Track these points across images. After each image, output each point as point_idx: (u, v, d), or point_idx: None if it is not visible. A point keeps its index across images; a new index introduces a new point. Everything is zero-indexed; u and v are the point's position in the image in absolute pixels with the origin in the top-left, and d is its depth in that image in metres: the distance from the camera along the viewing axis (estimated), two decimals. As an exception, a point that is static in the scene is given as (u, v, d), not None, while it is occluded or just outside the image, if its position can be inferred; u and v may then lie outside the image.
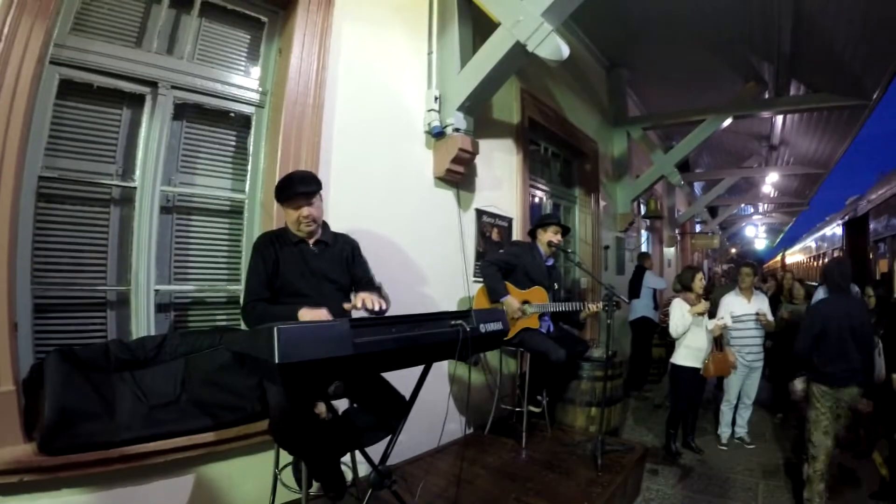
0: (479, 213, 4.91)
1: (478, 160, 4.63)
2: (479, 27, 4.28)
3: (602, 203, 8.04)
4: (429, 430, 3.51)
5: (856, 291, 5.92)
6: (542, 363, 4.16)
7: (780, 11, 6.07)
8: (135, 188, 2.87)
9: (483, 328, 2.40)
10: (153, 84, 2.93)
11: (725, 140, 12.17)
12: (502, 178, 5.31)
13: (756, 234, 30.25)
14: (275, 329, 1.65)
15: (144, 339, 2.79)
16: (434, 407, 3.72)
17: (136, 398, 2.61)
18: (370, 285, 2.83)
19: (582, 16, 6.34)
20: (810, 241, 17.66)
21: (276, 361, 1.64)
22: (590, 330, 7.19)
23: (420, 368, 2.46)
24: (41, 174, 2.56)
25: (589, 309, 4.17)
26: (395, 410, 2.60)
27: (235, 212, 3.33)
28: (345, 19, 3.67)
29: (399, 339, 2.04)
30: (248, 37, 3.44)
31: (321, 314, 2.37)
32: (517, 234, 5.43)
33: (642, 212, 11.02)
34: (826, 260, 12.96)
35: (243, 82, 3.34)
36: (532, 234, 4.53)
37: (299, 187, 2.60)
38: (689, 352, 4.95)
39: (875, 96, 7.13)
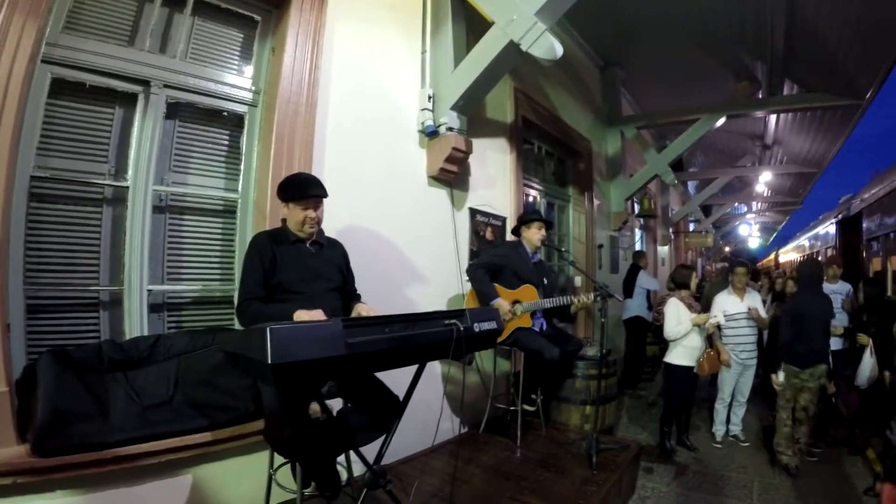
0: (473, 212, 4.93)
1: (471, 159, 4.65)
2: (472, 26, 4.31)
3: (596, 202, 8.08)
4: (423, 429, 3.53)
5: (842, 289, 6.03)
6: (536, 362, 4.16)
7: (774, 11, 6.10)
8: (127, 188, 2.87)
9: (477, 327, 2.43)
10: (146, 83, 2.93)
11: (719, 139, 12.24)
12: (496, 177, 5.33)
13: (750, 233, 30.43)
14: (267, 329, 1.67)
15: (138, 339, 2.78)
16: (429, 406, 3.74)
17: (129, 399, 2.60)
18: (353, 295, 2.95)
19: (576, 15, 6.39)
20: (804, 240, 17.75)
21: (269, 362, 1.66)
22: (584, 328, 7.22)
23: (414, 368, 2.48)
24: (33, 174, 2.55)
25: (579, 301, 4.16)
26: (389, 410, 2.62)
27: (228, 211, 3.33)
28: (338, 18, 3.68)
29: (392, 338, 2.06)
30: (241, 36, 3.44)
31: (317, 315, 2.38)
32: (511, 234, 5.42)
33: (636, 210, 11.08)
34: (820, 258, 13.06)
35: (236, 81, 3.34)
36: (516, 232, 4.53)
37: (314, 189, 2.68)
38: (686, 351, 5.00)
39: (868, 96, 7.18)
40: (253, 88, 3.40)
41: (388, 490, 2.43)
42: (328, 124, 3.56)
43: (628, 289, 7.99)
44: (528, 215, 4.47)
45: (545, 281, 4.39)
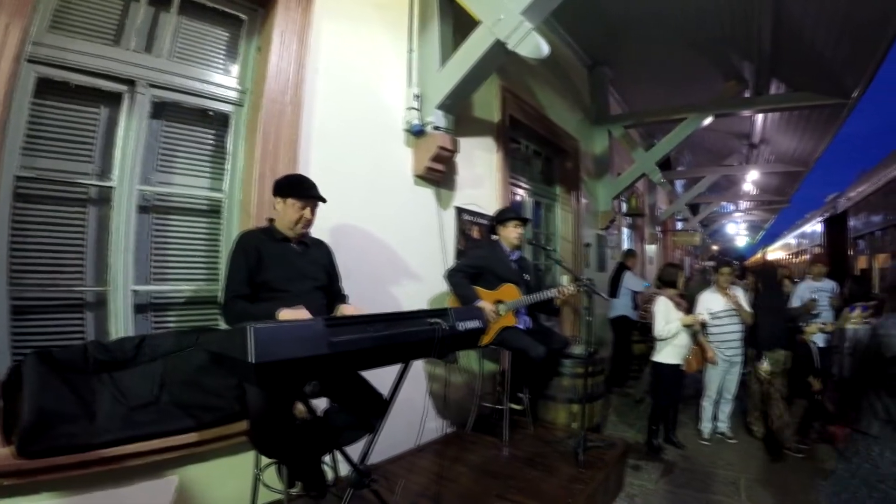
0: (460, 211, 4.97)
1: (458, 158, 4.69)
2: (459, 25, 4.33)
3: (583, 201, 8.15)
4: (410, 428, 3.56)
5: (827, 287, 6.17)
6: (522, 360, 4.20)
7: (761, 11, 6.18)
8: (112, 188, 2.88)
9: (461, 326, 2.45)
10: (131, 82, 2.94)
11: (706, 138, 12.32)
12: (483, 177, 5.37)
13: (737, 231, 30.69)
14: (249, 328, 1.68)
15: (123, 339, 2.79)
16: (415, 406, 3.78)
17: (115, 400, 2.60)
18: (339, 295, 2.98)
19: (564, 14, 6.44)
20: (791, 238, 17.96)
21: (252, 361, 1.67)
22: (571, 326, 7.27)
23: (399, 367, 2.50)
24: (18, 174, 2.56)
25: (562, 292, 4.14)
26: (374, 409, 2.64)
27: (214, 211, 3.34)
28: (324, 17, 3.70)
29: (376, 337, 2.07)
30: (227, 35, 3.45)
31: (301, 314, 2.40)
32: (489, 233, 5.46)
33: (624, 209, 11.14)
34: (806, 257, 13.22)
35: (222, 80, 3.35)
36: (493, 231, 4.53)
37: (315, 191, 2.75)
38: (674, 349, 5.08)
39: (855, 95, 7.26)
40: (238, 88, 3.42)
41: (373, 489, 2.46)
42: (314, 123, 3.58)
43: (614, 288, 8.06)
44: (503, 214, 4.48)
45: (527, 278, 4.40)
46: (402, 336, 2.19)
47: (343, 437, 2.61)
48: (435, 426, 4.34)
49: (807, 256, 13.69)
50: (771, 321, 5.41)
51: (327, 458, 2.77)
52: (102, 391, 2.59)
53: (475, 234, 5.14)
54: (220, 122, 3.39)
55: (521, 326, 4.26)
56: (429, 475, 3.63)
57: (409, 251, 4.33)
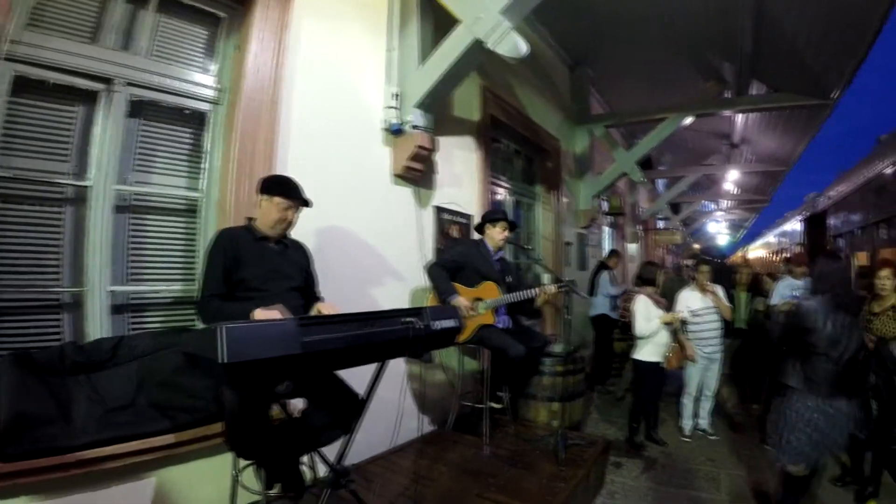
0: (439, 210, 5.03)
1: (438, 157, 4.76)
2: (439, 24, 4.37)
3: (564, 200, 8.27)
4: (390, 428, 3.59)
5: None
6: (501, 359, 4.22)
7: (742, 12, 6.30)
8: (89, 187, 2.88)
9: (436, 325, 2.47)
10: (108, 81, 2.94)
11: (688, 138, 12.51)
12: (462, 176, 5.43)
13: (719, 230, 31.01)
14: (221, 328, 1.69)
15: (100, 340, 2.79)
16: (396, 405, 3.81)
17: (92, 401, 2.60)
18: (316, 298, 3.01)
19: (546, 15, 6.54)
20: (771, 237, 18.21)
21: (224, 361, 1.67)
22: (551, 325, 7.34)
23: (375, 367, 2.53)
24: (-7, 174, 2.56)
25: (543, 293, 4.20)
26: (351, 409, 2.65)
27: (190, 211, 3.35)
28: (304, 15, 3.73)
29: (349, 337, 2.09)
30: (206, 33, 3.47)
31: (275, 313, 2.41)
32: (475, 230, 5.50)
33: (605, 208, 11.25)
34: (787, 255, 13.42)
35: (200, 79, 3.37)
36: (480, 229, 4.58)
37: (302, 193, 2.80)
38: (654, 347, 5.18)
39: (834, 96, 7.42)
40: (216, 86, 3.43)
41: (350, 489, 2.48)
42: (292, 122, 3.61)
43: (594, 287, 8.14)
44: (493, 214, 4.52)
45: (509, 279, 4.44)
46: (376, 335, 2.20)
47: (320, 438, 2.63)
48: (415, 425, 4.38)
49: (787, 254, 13.88)
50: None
51: (305, 459, 2.78)
52: (79, 393, 2.59)
53: (454, 232, 5.20)
54: (197, 121, 3.40)
55: (499, 325, 4.30)
56: (409, 474, 3.68)
57: (388, 250, 4.37)
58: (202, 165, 3.38)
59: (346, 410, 2.67)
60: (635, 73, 9.11)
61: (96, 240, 2.87)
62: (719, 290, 5.63)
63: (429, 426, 4.68)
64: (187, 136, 3.38)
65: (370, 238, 4.19)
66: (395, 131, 4.30)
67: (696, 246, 33.69)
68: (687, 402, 5.75)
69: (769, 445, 3.89)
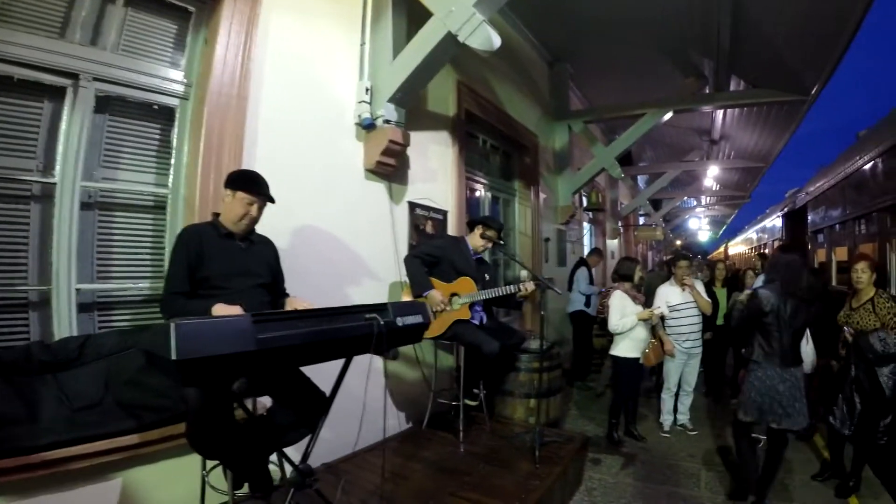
0: (413, 205, 5.06)
1: (412, 152, 4.80)
2: (413, 18, 4.41)
3: (542, 196, 8.34)
4: (364, 426, 3.60)
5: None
6: (476, 356, 4.27)
7: (720, 9, 6.42)
8: (55, 184, 2.88)
9: (400, 321, 2.50)
10: (74, 76, 2.94)
11: (667, 134, 12.64)
12: (437, 171, 5.47)
13: (699, 226, 31.32)
14: (172, 325, 1.70)
15: (67, 339, 2.80)
16: (369, 403, 3.81)
17: (58, 401, 2.60)
18: (283, 295, 3.03)
19: (525, 11, 6.60)
20: (752, 233, 18.44)
21: (175, 357, 1.67)
22: (529, 321, 7.39)
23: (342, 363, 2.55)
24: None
25: (524, 288, 4.22)
26: (316, 407, 2.68)
27: (159, 207, 3.36)
28: (274, 8, 3.74)
29: (308, 333, 2.10)
30: (175, 27, 3.47)
31: (235, 310, 2.42)
32: (452, 227, 5.60)
33: (584, 204, 11.34)
34: (767, 250, 13.62)
35: (168, 74, 3.37)
36: (470, 227, 4.63)
37: (266, 190, 2.81)
38: (632, 343, 5.25)
39: (813, 92, 7.58)
40: (185, 81, 3.44)
41: (315, 489, 2.51)
42: (260, 117, 3.62)
43: (572, 283, 8.20)
44: (493, 222, 4.56)
45: (486, 277, 4.49)
46: (336, 332, 2.21)
47: (285, 437, 2.66)
48: (390, 423, 4.41)
49: (767, 250, 14.06)
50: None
51: (274, 458, 2.78)
52: (46, 392, 2.59)
53: (429, 228, 5.24)
54: (165, 117, 3.40)
55: (475, 321, 4.33)
56: (382, 473, 3.69)
57: (360, 246, 4.40)
58: (170, 161, 3.38)
59: (311, 408, 2.69)
60: (615, 68, 9.23)
61: (63, 237, 2.87)
62: (698, 285, 5.71)
63: (404, 424, 4.73)
64: (155, 131, 3.38)
65: (342, 234, 4.22)
66: (367, 126, 4.33)
67: (678, 242, 34.05)
68: (666, 398, 5.82)
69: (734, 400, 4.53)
